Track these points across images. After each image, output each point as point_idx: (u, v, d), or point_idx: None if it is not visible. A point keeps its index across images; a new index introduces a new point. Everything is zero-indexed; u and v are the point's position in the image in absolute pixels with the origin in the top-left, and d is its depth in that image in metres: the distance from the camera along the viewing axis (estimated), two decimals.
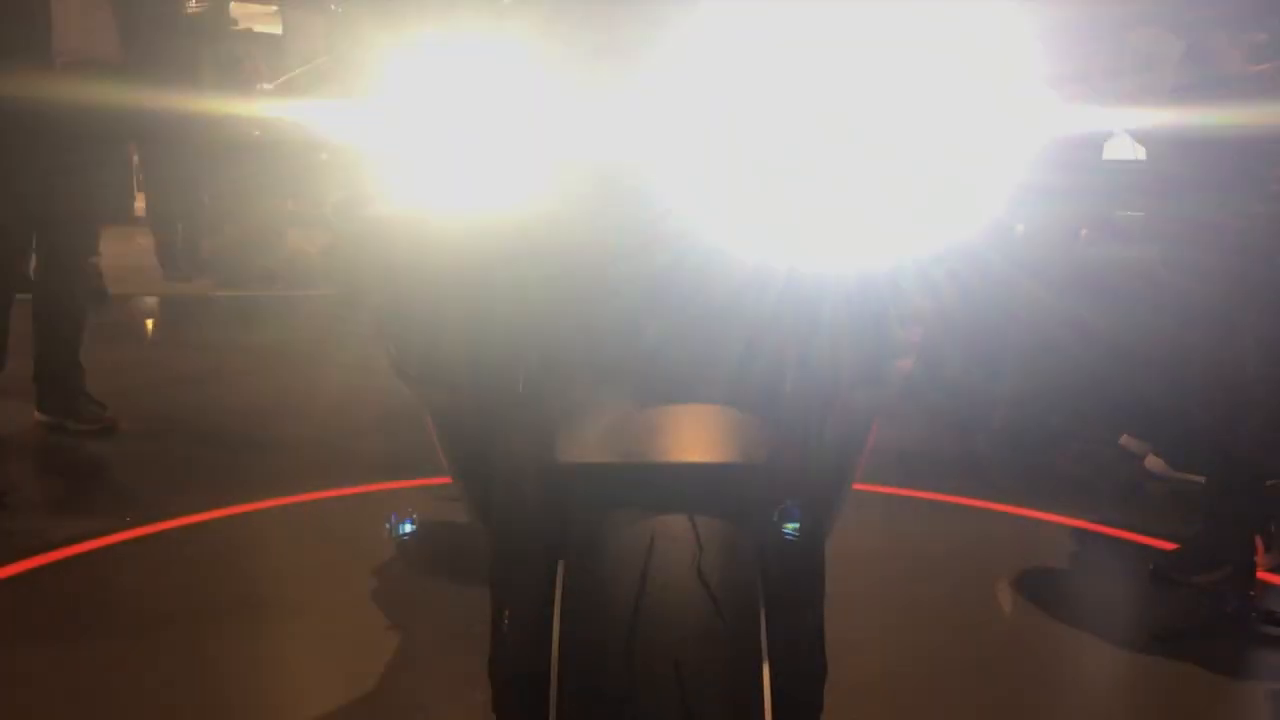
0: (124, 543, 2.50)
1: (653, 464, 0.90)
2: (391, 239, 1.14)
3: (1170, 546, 2.56)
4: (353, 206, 1.14)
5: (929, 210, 1.03)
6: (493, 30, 1.02)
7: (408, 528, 2.64)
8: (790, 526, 0.98)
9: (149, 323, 5.68)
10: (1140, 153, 3.27)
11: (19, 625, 2.12)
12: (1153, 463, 3.23)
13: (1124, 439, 3.44)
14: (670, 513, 0.89)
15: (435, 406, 1.24)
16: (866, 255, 1.08)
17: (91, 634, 2.06)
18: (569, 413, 0.95)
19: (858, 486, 1.34)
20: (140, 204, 7.75)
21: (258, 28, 14.83)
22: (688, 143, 0.96)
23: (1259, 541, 2.41)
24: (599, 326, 1.02)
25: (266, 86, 6.91)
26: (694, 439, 0.91)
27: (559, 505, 0.95)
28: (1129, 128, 3.23)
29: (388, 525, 2.66)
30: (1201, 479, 3.10)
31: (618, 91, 0.93)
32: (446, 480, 1.37)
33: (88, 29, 3.17)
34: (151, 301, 6.22)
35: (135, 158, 7.38)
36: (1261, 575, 2.40)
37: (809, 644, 1.04)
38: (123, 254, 7.78)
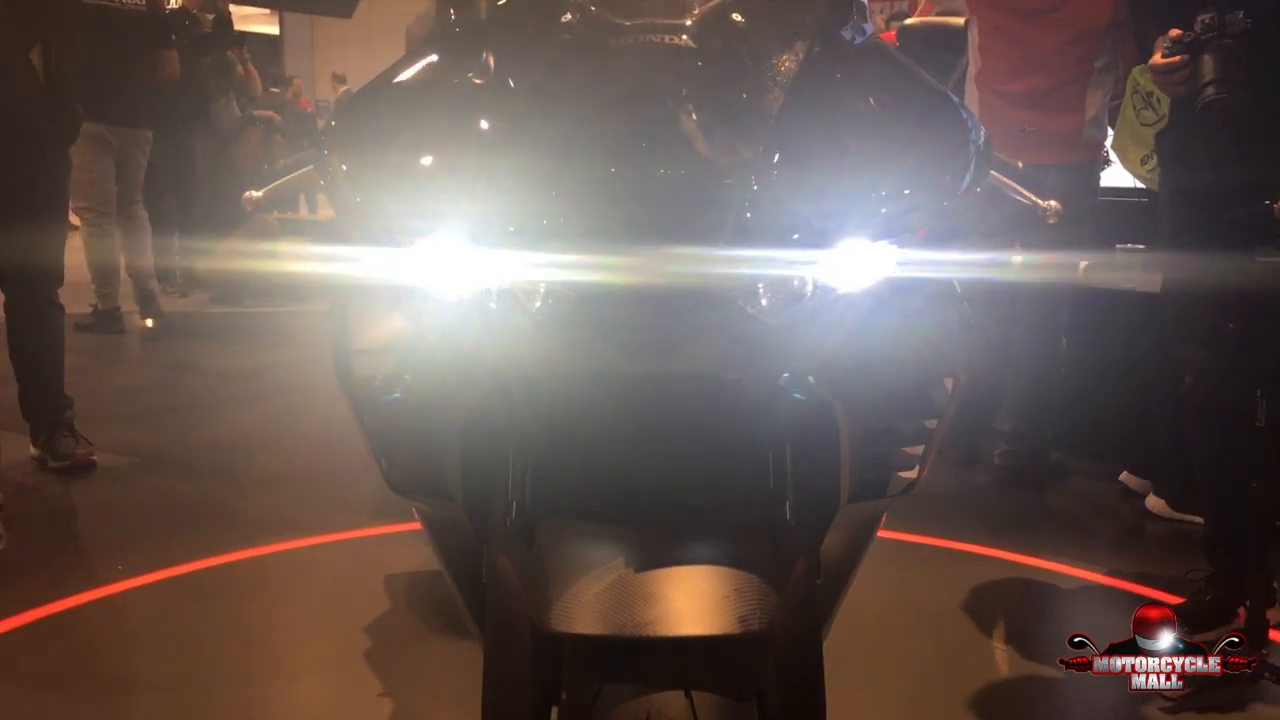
0: (91, 602, 2.45)
1: (647, 638, 0.87)
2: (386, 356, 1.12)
3: (1170, 599, 2.53)
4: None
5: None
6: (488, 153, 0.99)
7: None
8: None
9: (143, 344, 5.63)
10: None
11: None
12: (1153, 503, 3.20)
13: (1124, 475, 3.42)
14: (666, 688, 0.86)
15: (426, 517, 1.21)
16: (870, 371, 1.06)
17: (74, 695, 2.03)
18: (560, 569, 0.92)
19: None
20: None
21: (254, 28, 14.76)
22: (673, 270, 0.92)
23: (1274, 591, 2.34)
24: (591, 459, 1.00)
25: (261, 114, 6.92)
26: (690, 609, 0.88)
27: (549, 673, 0.92)
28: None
29: None
30: (1203, 520, 3.09)
31: (611, 234, 0.90)
32: None
33: None
34: (146, 320, 6.18)
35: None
36: (1274, 634, 2.35)
37: None
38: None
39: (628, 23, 1.05)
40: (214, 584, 2.57)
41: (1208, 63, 2.07)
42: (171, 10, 6.27)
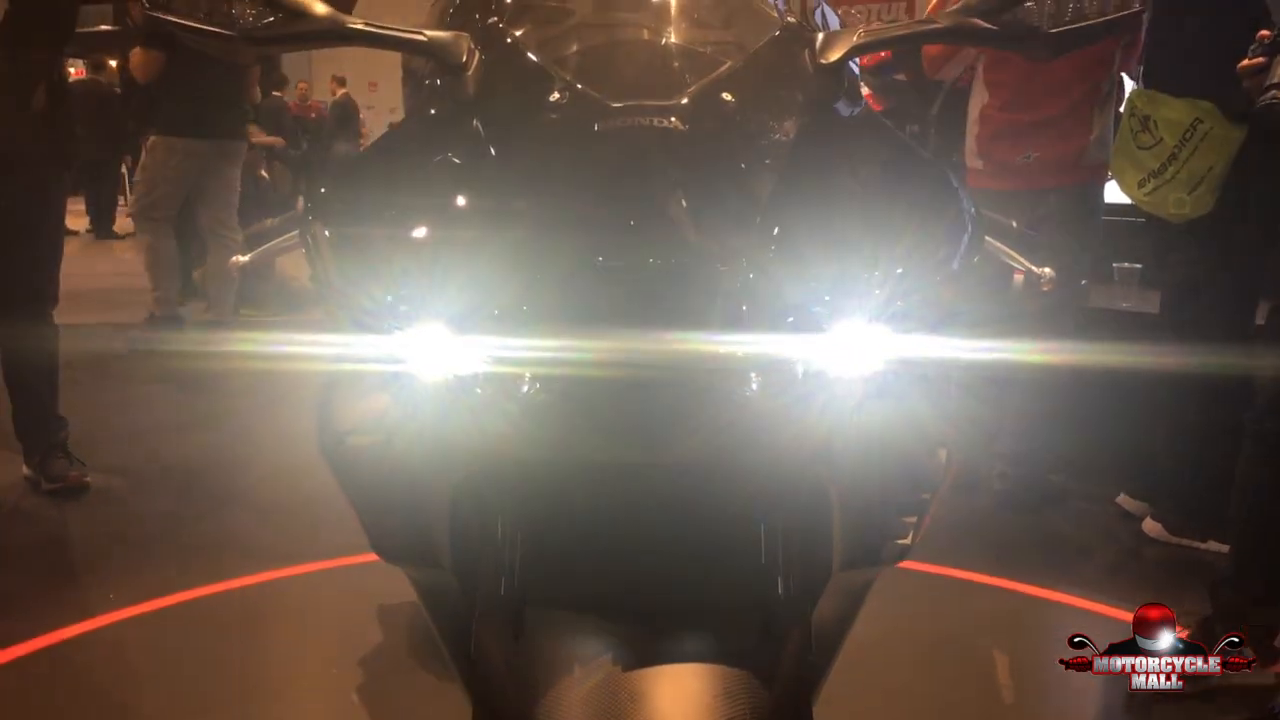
0: (83, 635, 2.43)
1: None
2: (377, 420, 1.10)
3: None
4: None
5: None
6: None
7: None
8: None
9: (137, 358, 5.61)
10: None
11: None
12: (1150, 526, 3.19)
13: (1121, 498, 3.41)
14: None
15: (416, 582, 1.20)
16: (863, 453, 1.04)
17: None
18: (548, 663, 0.91)
19: None
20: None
21: None
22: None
23: None
24: (581, 543, 0.99)
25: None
26: (678, 712, 0.87)
27: None
28: None
29: None
30: (1200, 545, 3.08)
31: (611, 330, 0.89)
32: None
33: None
34: (139, 332, 6.16)
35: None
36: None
37: None
38: (111, 272, 7.74)
39: (616, 104, 1.04)
40: (206, 614, 2.55)
41: (1277, 65, 2.04)
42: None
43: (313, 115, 11.40)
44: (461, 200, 0.99)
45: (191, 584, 2.67)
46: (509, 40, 1.19)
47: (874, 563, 1.16)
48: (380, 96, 12.54)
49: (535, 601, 1.01)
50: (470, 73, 1.13)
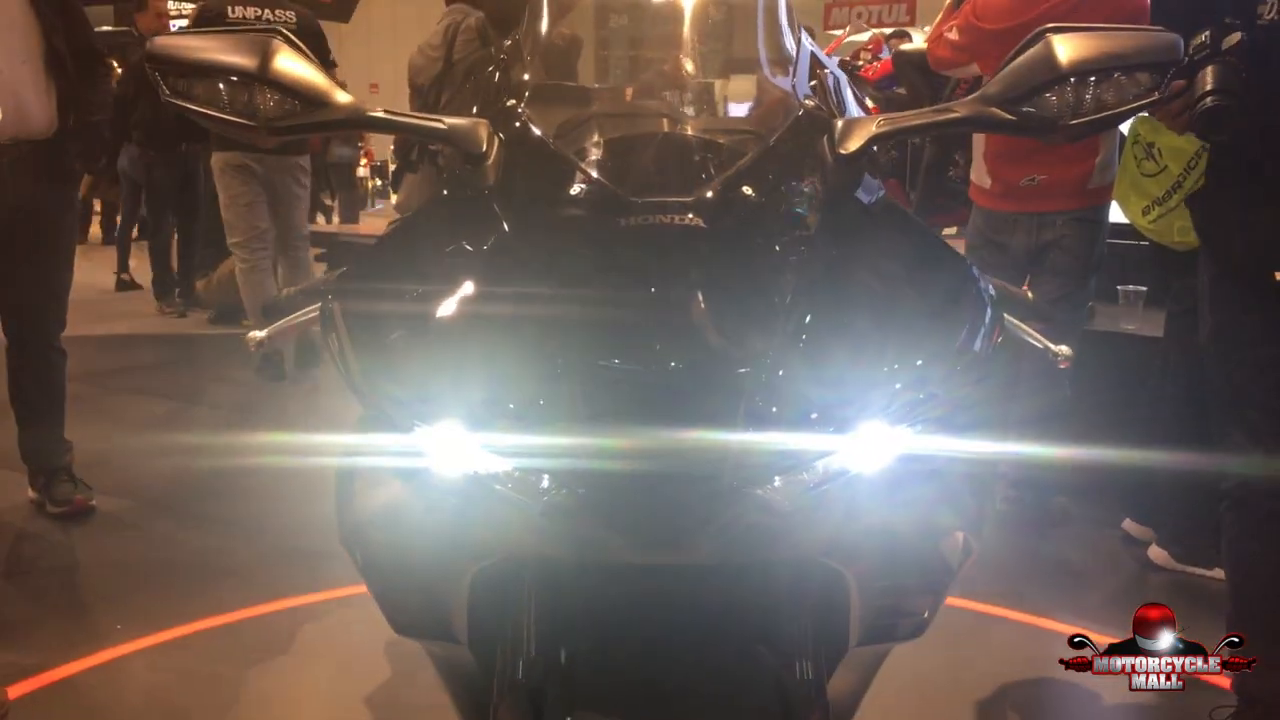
0: (91, 669, 2.43)
1: None
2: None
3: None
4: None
5: None
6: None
7: None
8: None
9: (142, 372, 5.62)
10: None
11: None
12: (1156, 554, 3.19)
13: (1126, 523, 3.41)
14: None
15: (433, 655, 1.20)
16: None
17: None
18: None
19: None
20: None
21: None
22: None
23: None
24: (599, 637, 0.99)
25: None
26: None
27: None
28: None
29: None
30: (1207, 572, 3.07)
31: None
32: None
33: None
34: (145, 343, 6.18)
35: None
36: None
37: None
38: (114, 282, 7.74)
39: (637, 200, 1.04)
40: (213, 645, 2.55)
41: (1204, 76, 2.04)
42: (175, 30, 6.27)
43: None
44: (481, 297, 0.99)
45: (199, 614, 2.67)
46: (529, 129, 1.20)
47: (890, 639, 1.16)
48: (380, 99, 12.51)
49: (554, 688, 1.02)
50: (490, 163, 1.13)
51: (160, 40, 1.10)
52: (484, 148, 1.14)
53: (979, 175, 3.43)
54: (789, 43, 1.40)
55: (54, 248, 3.28)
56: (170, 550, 3.17)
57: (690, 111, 1.32)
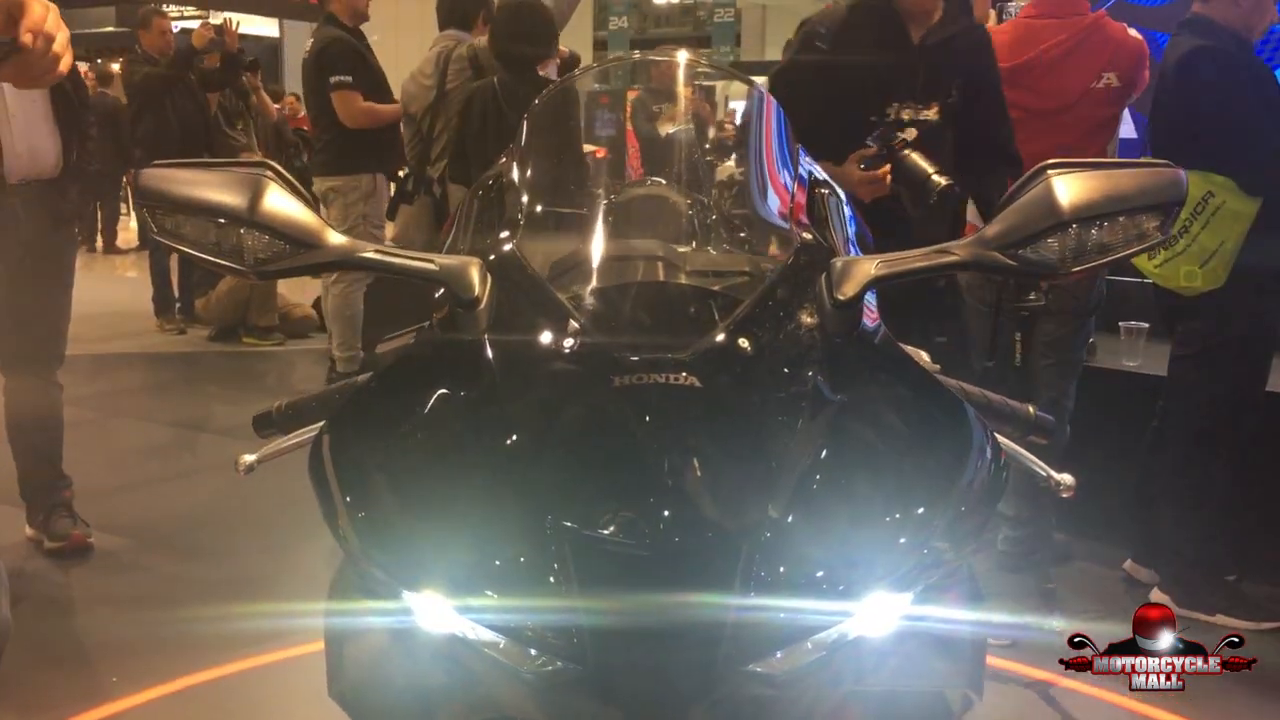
0: None
1: None
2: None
3: (1172, 716, 2.49)
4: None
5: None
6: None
7: None
8: None
9: (142, 394, 5.60)
10: None
11: None
12: (1158, 598, 3.17)
13: (1128, 564, 3.39)
14: None
15: None
16: None
17: None
18: None
19: None
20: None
21: (252, 29, 14.65)
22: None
23: None
24: None
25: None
26: None
27: None
28: None
29: None
30: (1208, 618, 3.05)
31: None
32: None
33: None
34: (145, 363, 6.16)
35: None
36: None
37: None
38: (114, 297, 7.72)
39: (634, 357, 1.02)
40: (210, 702, 2.53)
41: (908, 163, 2.21)
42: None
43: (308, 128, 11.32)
44: (472, 461, 0.97)
45: (194, 666, 2.64)
46: (523, 272, 1.18)
47: None
48: None
49: None
50: (482, 308, 1.11)
51: (150, 174, 1.08)
52: (476, 291, 1.12)
53: (975, 214, 3.41)
54: (787, 168, 1.38)
55: (55, 285, 3.28)
56: (171, 588, 3.15)
57: (685, 249, 1.30)
